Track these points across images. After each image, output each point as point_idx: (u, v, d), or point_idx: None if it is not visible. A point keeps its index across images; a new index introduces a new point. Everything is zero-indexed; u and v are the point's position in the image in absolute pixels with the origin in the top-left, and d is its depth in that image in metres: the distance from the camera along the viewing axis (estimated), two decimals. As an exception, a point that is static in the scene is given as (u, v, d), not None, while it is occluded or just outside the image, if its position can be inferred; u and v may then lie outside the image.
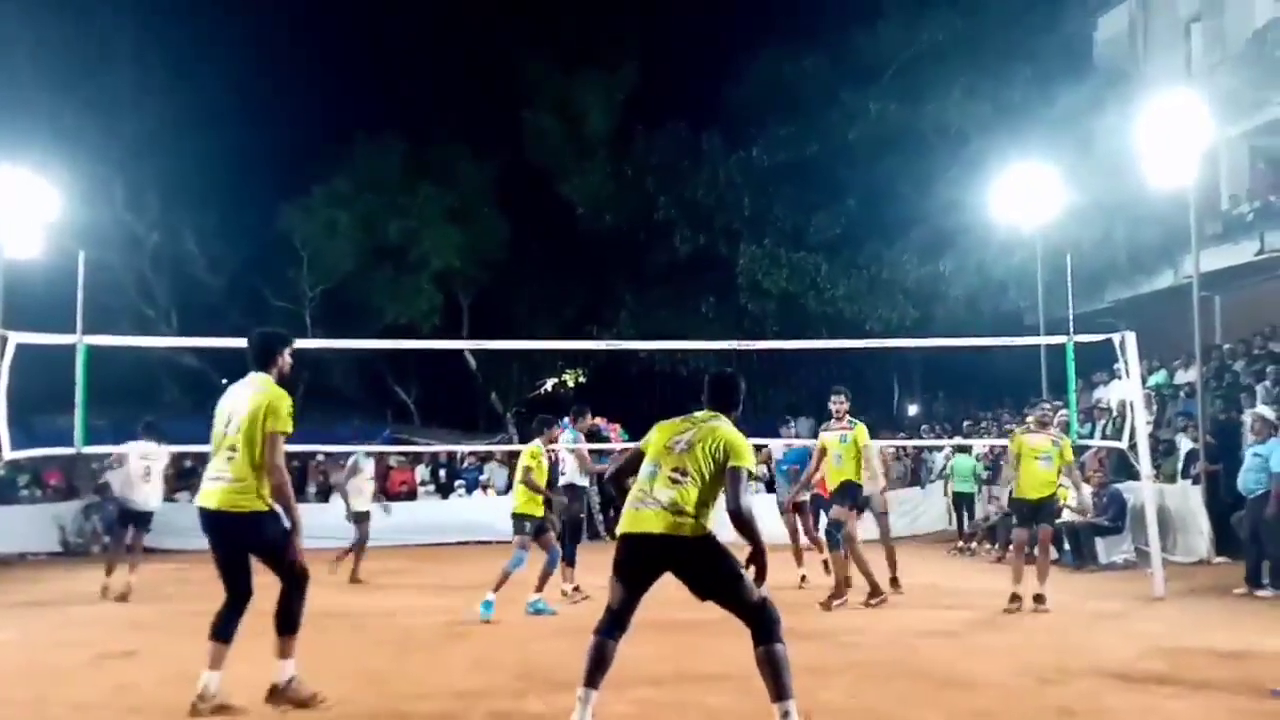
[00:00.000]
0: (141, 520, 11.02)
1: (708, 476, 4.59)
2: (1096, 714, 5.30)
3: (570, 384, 31.75)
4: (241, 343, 5.61)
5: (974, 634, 7.96)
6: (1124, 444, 10.71)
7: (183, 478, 17.09)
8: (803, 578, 10.79)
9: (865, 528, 10.21)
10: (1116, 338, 9.97)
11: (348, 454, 13.08)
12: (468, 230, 26.36)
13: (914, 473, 19.09)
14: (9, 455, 8.62)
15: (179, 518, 13.13)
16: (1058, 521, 11.00)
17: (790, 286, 23.61)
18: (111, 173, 23.84)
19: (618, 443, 15.40)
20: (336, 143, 26.05)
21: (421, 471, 19.70)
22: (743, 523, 4.50)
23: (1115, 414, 14.64)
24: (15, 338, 8.44)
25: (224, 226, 25.83)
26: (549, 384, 31.34)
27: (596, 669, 4.54)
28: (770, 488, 14.13)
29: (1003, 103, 22.34)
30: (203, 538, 5.28)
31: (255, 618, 5.25)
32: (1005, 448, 11.42)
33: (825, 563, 10.28)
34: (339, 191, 25.86)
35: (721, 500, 4.60)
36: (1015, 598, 8.85)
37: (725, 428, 4.75)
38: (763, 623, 4.51)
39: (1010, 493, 10.39)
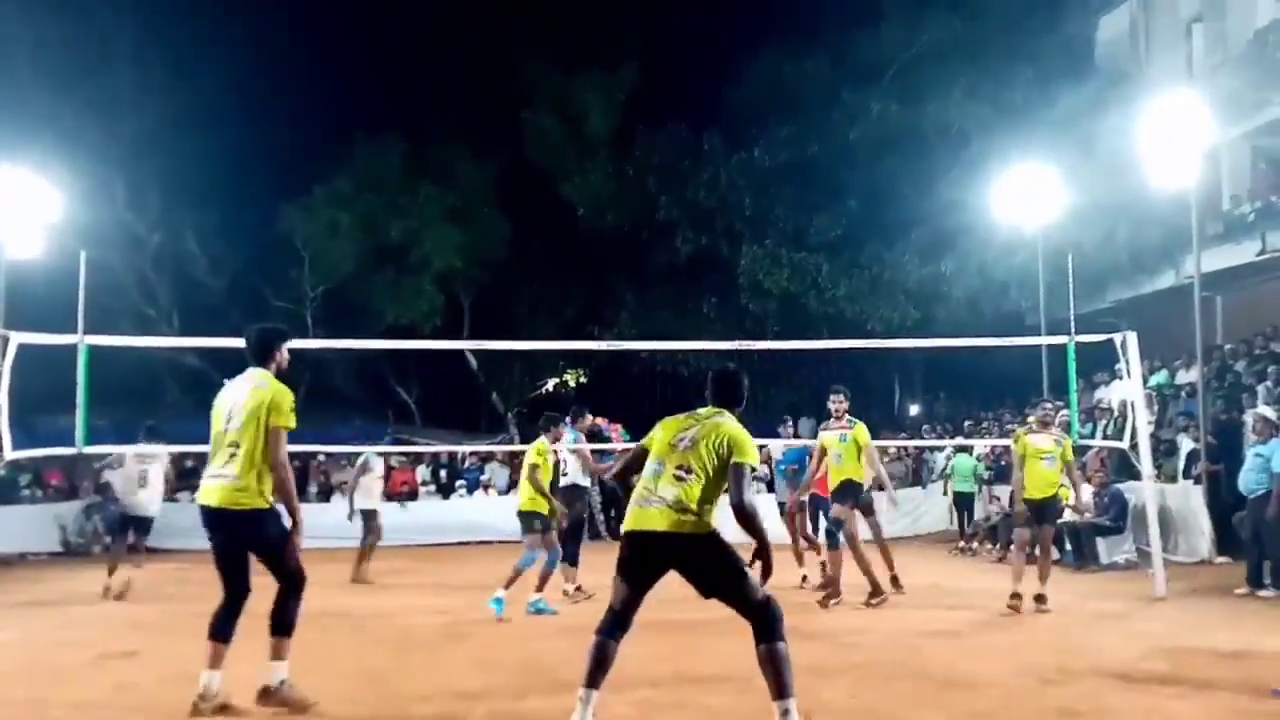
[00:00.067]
0: (141, 525, 11.05)
1: (712, 473, 4.59)
2: (1098, 714, 5.29)
3: (571, 384, 31.74)
4: (242, 343, 5.60)
5: (975, 634, 7.96)
6: (1125, 444, 10.72)
7: (184, 478, 17.07)
8: (803, 578, 10.81)
9: (861, 528, 10.22)
10: (1118, 338, 9.97)
11: (349, 454, 13.09)
12: (468, 230, 26.37)
13: (915, 473, 19.08)
14: (10, 455, 8.61)
15: (180, 518, 13.13)
16: (1059, 521, 11.00)
17: (791, 287, 23.60)
18: (112, 173, 23.82)
19: (619, 443, 15.38)
20: (337, 143, 26.10)
21: (422, 472, 19.69)
22: (747, 518, 4.49)
23: (1116, 414, 14.63)
24: (17, 338, 8.43)
25: (225, 226, 25.83)
26: (550, 384, 31.32)
27: (597, 669, 4.54)
28: (770, 488, 14.13)
29: (1004, 103, 22.36)
30: (203, 538, 5.27)
31: (256, 618, 5.25)
32: (1007, 448, 11.40)
33: (823, 564, 10.28)
34: (340, 192, 25.87)
35: (723, 499, 4.60)
36: (1016, 596, 8.85)
37: (729, 424, 4.74)
38: (765, 621, 4.50)
39: (1013, 494, 10.38)
